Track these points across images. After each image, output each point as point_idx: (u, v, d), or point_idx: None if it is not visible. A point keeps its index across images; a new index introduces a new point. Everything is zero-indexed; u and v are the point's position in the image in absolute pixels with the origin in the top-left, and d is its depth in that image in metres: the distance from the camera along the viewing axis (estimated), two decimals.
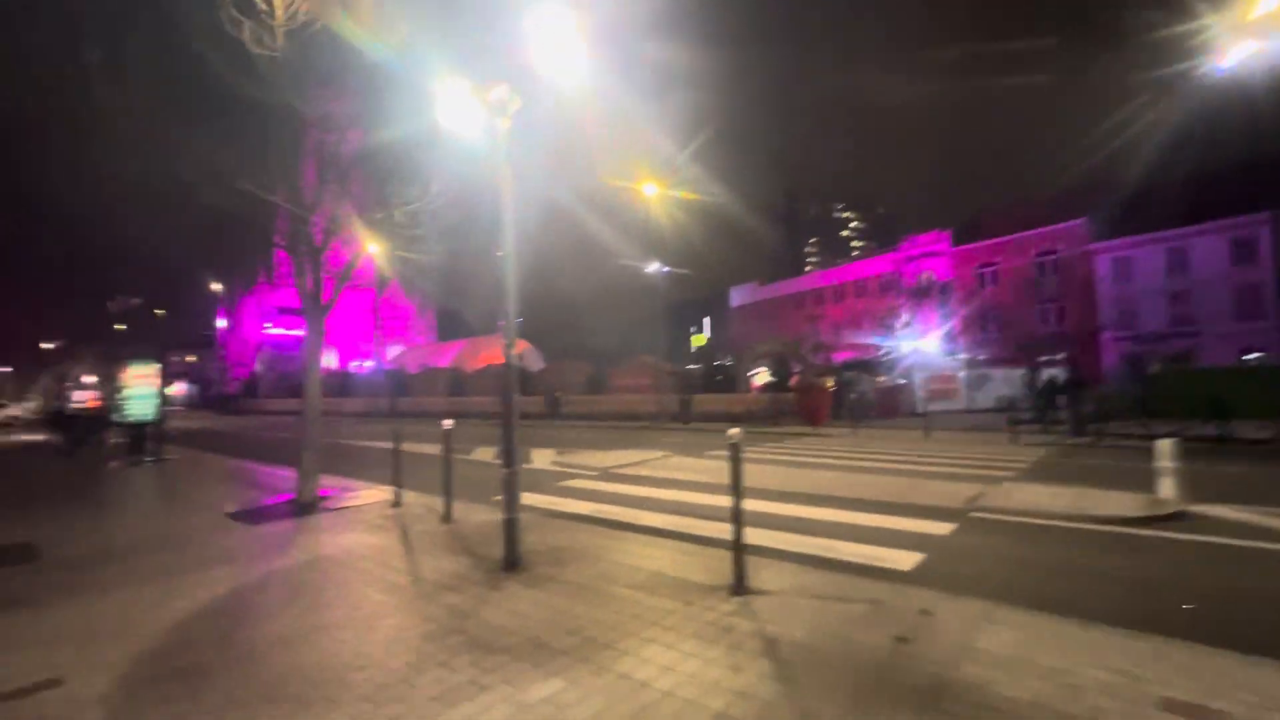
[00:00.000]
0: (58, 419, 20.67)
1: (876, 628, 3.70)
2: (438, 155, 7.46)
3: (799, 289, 57.40)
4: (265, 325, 54.16)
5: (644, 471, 10.86)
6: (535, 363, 46.68)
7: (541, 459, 13.23)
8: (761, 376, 25.73)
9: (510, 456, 5.26)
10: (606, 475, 10.68)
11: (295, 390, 45.22)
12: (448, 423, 6.88)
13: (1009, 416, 15.88)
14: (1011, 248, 39.72)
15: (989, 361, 32.93)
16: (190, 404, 63.58)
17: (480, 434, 20.32)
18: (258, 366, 57.20)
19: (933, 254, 43.86)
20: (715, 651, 3.47)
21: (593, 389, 27.68)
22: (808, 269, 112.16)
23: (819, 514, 7.08)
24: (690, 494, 8.67)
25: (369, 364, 60.74)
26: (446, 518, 6.79)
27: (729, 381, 26.63)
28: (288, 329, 51.52)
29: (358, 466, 12.35)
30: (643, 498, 8.51)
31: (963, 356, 35.96)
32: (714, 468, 10.87)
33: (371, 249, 8.10)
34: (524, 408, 26.54)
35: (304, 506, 7.79)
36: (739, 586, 4.35)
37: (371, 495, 8.51)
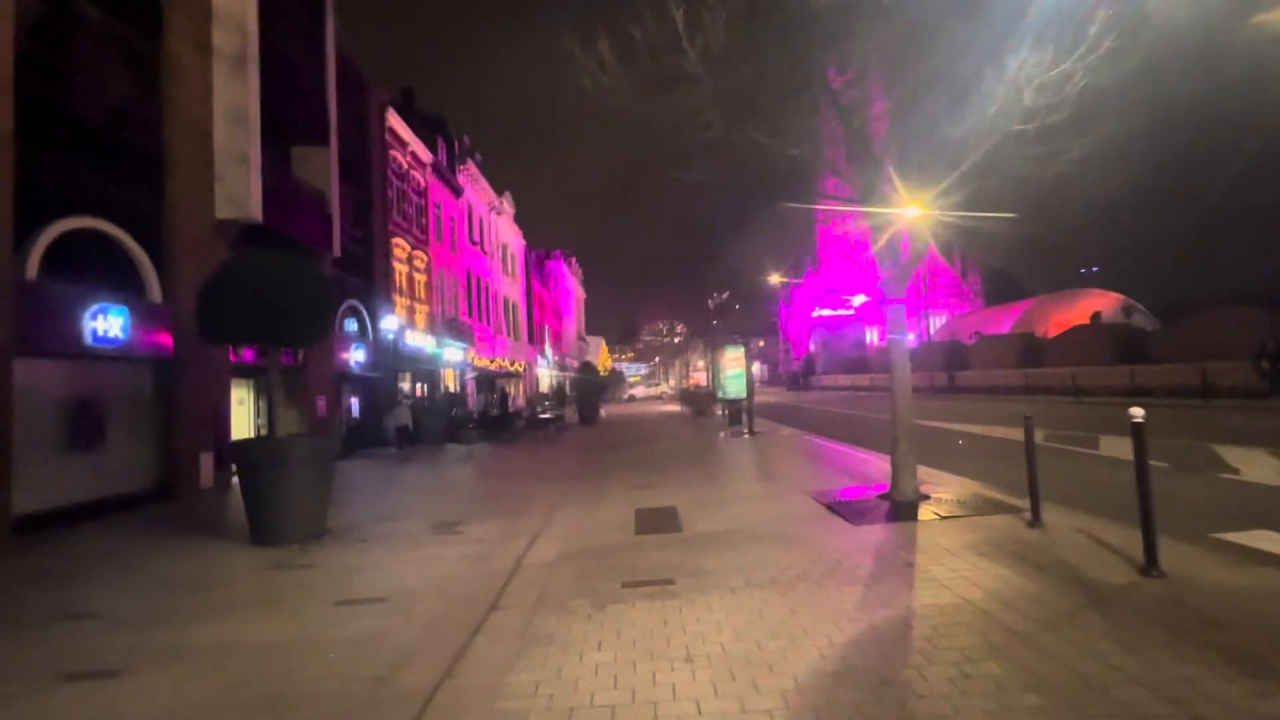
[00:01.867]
0: (685, 395, 26.68)
1: None
2: None
3: None
4: (815, 309, 59.30)
5: None
6: (1143, 322, 34.90)
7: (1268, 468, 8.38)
8: None
9: None
10: None
11: (849, 366, 47.69)
12: (1137, 412, 4.18)
13: None
14: None
15: None
16: (763, 382, 76.34)
17: (1084, 416, 15.48)
18: (812, 346, 63.46)
19: None
20: None
21: None
22: None
23: None
24: None
25: (911, 337, 58.93)
26: (1148, 568, 4.12)
27: None
28: (834, 309, 54.96)
29: (939, 454, 10.55)
30: None
31: None
32: None
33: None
34: (1171, 379, 19.39)
35: (903, 507, 6.43)
36: None
37: (973, 496, 6.52)
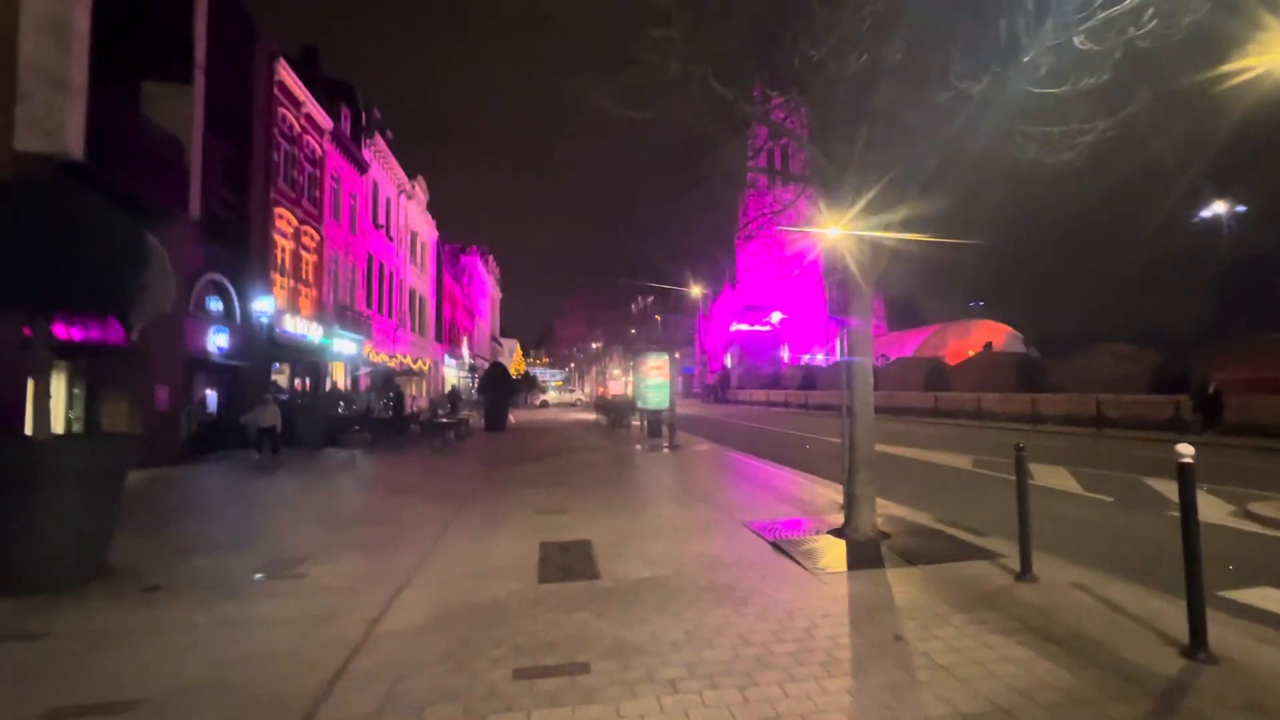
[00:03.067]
0: (602, 404, 25.34)
1: None
2: None
3: None
4: (733, 324, 59.89)
5: None
6: (1014, 347, 37.51)
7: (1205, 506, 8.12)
8: None
9: None
10: None
11: (765, 382, 48.19)
12: (1186, 450, 3.32)
13: None
14: None
15: None
16: (679, 394, 76.23)
17: (1001, 442, 15.61)
18: (728, 361, 64.06)
19: None
20: None
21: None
22: None
23: None
24: None
25: (821, 356, 60.91)
26: (1194, 650, 3.24)
27: None
28: (752, 324, 55.66)
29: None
30: None
31: None
32: None
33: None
34: (1065, 409, 20.16)
35: (862, 548, 5.42)
36: None
37: (930, 533, 5.64)
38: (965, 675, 3.09)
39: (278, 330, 16.85)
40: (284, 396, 16.83)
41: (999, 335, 45.58)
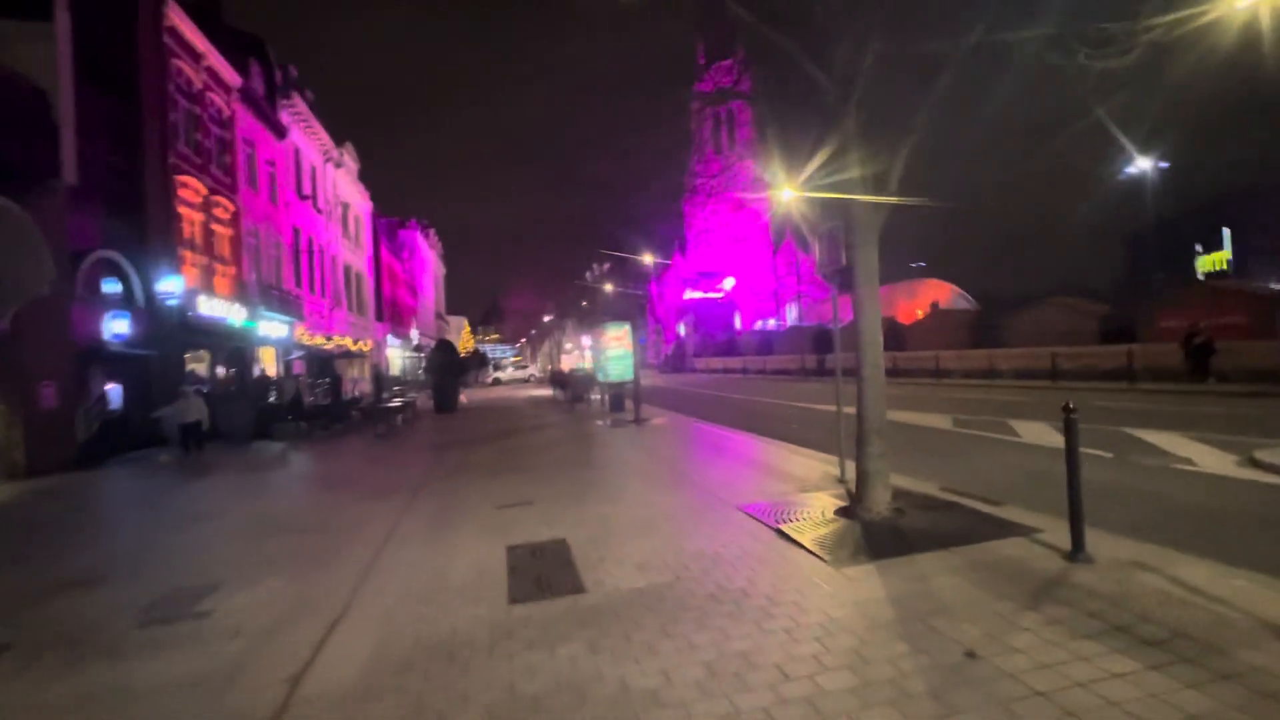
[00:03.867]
0: (558, 378, 24.32)
1: None
2: None
3: None
4: (686, 291, 59.31)
5: None
6: (959, 305, 38.48)
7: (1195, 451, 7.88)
8: None
9: None
10: None
11: (720, 350, 47.92)
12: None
13: None
14: None
15: None
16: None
17: (973, 400, 15.52)
18: (681, 329, 63.66)
19: None
20: None
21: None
22: None
23: None
24: None
25: (773, 322, 61.25)
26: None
27: None
28: (705, 292, 55.17)
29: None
30: None
31: None
32: None
33: None
34: (1020, 363, 20.30)
35: (879, 530, 4.77)
36: None
37: (941, 504, 5.06)
38: (1077, 706, 2.41)
39: (191, 313, 15.02)
40: (204, 388, 15.13)
41: (944, 294, 46.65)
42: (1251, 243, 56.69)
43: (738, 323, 60.24)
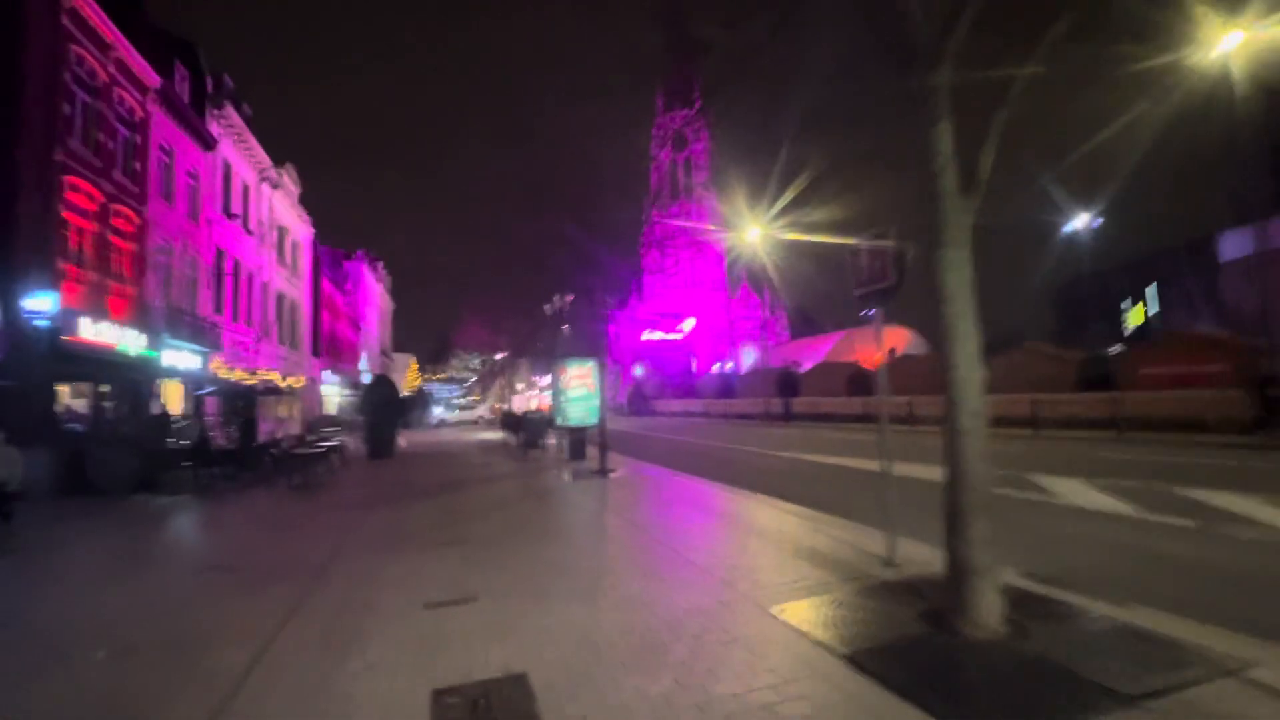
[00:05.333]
0: (510, 420, 22.22)
1: None
2: None
3: None
4: (643, 332, 58.17)
5: None
6: (918, 350, 38.49)
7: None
8: None
9: None
10: None
11: (680, 392, 46.54)
12: None
13: None
14: None
15: None
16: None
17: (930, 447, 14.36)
18: (637, 371, 62.22)
19: None
20: None
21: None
22: None
23: None
24: None
25: (730, 365, 60.64)
26: None
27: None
28: (665, 332, 54.09)
29: (857, 499, 7.88)
30: None
31: None
32: None
33: None
34: (999, 410, 19.40)
35: (1009, 663, 3.17)
36: None
37: (1071, 613, 3.55)
38: None
39: (65, 338, 12.50)
40: (75, 427, 12.52)
41: (901, 339, 47.03)
42: (1175, 298, 60.34)
43: (693, 365, 59.35)
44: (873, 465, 11.94)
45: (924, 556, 5.04)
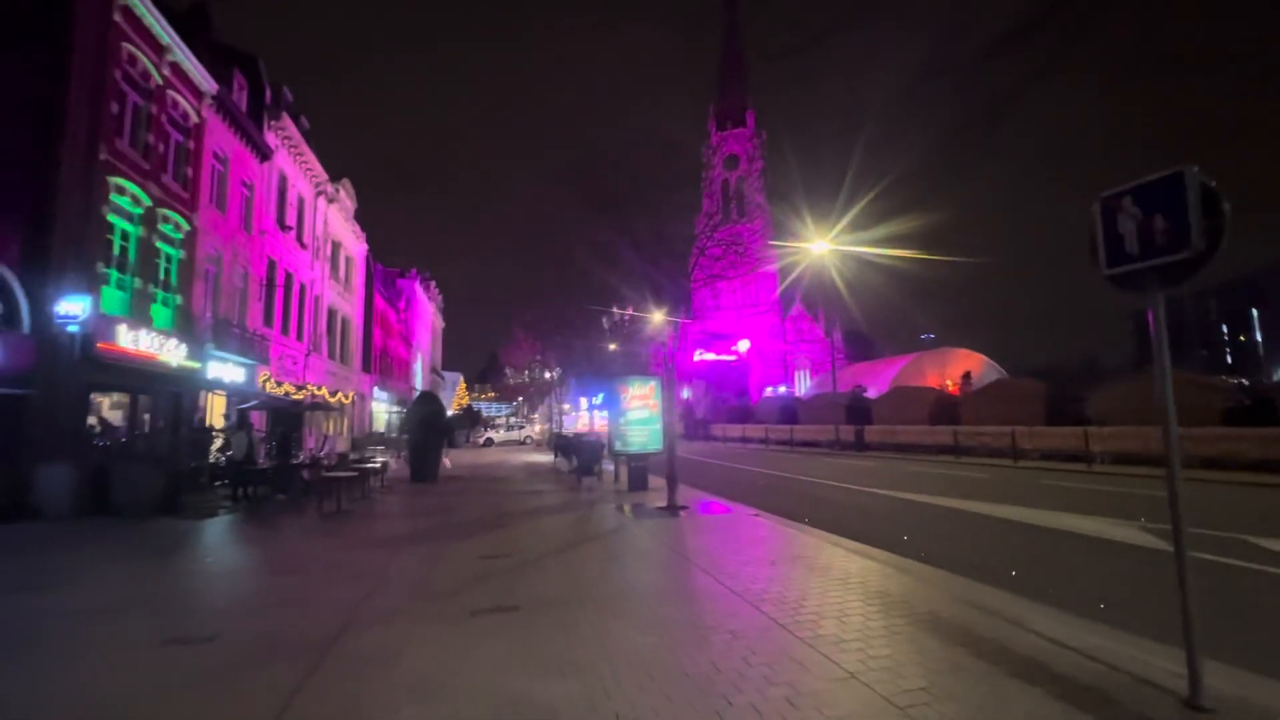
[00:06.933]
0: (563, 444, 20.75)
1: None
2: None
3: None
4: (696, 352, 56.35)
5: None
6: (990, 377, 35.20)
7: None
8: None
9: None
10: None
11: (734, 415, 44.33)
12: None
13: None
14: None
15: None
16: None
17: (1104, 491, 12.06)
18: (685, 393, 60.30)
19: None
20: None
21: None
22: None
23: None
24: None
25: (783, 389, 58.00)
26: None
27: None
28: (719, 354, 52.15)
29: (988, 555, 5.89)
30: None
31: None
32: None
33: None
34: (1114, 445, 16.80)
35: None
36: None
37: None
38: None
39: (100, 345, 11.74)
40: (101, 442, 11.69)
41: (975, 364, 43.55)
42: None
43: (749, 387, 56.99)
44: (1002, 510, 9.75)
45: (1245, 692, 3.12)
